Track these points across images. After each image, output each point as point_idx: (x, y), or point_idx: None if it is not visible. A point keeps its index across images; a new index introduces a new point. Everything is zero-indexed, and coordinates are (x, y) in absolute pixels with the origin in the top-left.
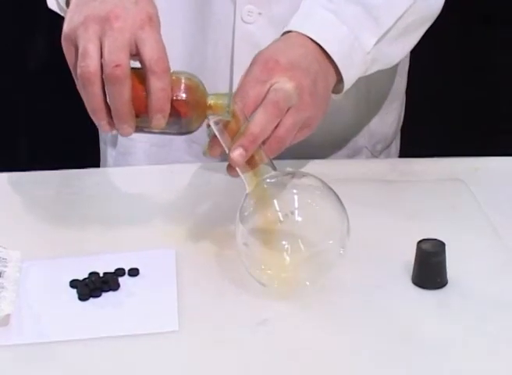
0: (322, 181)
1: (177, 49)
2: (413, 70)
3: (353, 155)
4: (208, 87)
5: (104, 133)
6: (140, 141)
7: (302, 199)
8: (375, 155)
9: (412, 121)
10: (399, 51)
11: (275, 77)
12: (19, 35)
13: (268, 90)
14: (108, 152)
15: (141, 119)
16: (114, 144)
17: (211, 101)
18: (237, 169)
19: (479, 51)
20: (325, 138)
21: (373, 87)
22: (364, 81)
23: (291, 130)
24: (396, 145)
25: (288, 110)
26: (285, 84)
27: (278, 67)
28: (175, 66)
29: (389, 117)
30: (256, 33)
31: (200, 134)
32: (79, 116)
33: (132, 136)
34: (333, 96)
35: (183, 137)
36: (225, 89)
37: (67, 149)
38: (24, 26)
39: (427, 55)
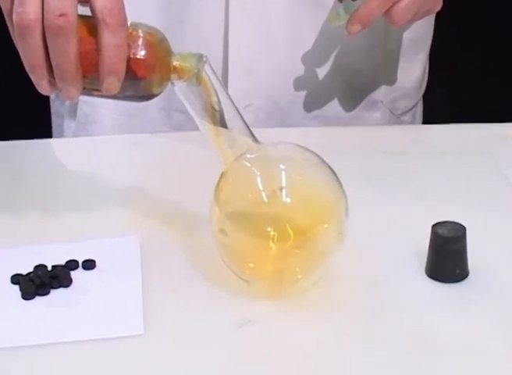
0: (315, 154)
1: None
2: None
3: (367, 109)
4: (196, 38)
5: (47, 93)
6: (105, 108)
7: (290, 176)
8: (395, 113)
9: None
10: None
11: None
12: None
13: None
14: (64, 125)
15: (90, 80)
16: (73, 113)
17: (176, 62)
18: (211, 144)
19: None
20: (336, 83)
21: (392, 33)
22: (382, 24)
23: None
24: (420, 108)
25: None
26: None
27: None
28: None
29: (412, 71)
30: None
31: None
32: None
33: (95, 102)
34: None
35: (161, 104)
36: (219, 37)
37: (9, 121)
38: None
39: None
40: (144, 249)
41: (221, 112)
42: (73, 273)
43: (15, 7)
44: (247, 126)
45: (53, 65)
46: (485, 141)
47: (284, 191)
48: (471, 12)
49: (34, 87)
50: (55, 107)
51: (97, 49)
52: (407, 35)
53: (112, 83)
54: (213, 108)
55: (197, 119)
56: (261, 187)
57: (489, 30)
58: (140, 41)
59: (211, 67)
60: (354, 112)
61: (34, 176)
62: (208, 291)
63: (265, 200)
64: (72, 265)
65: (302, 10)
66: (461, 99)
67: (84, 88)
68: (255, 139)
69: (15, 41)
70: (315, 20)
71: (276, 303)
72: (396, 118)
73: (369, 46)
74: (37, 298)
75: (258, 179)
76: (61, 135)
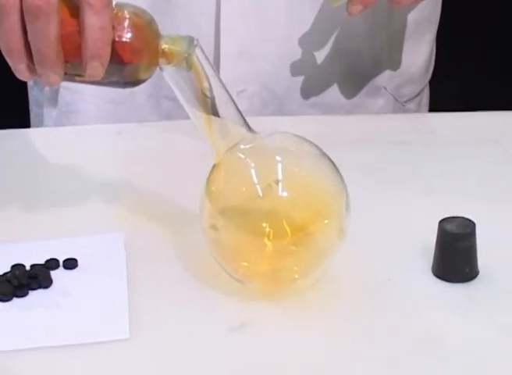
0: (314, 144)
1: None
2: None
3: (369, 96)
4: (186, 19)
5: (25, 79)
6: (89, 95)
7: (287, 168)
8: (400, 101)
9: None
10: None
11: None
12: None
13: None
14: (44, 114)
15: (72, 64)
16: (54, 101)
17: (164, 45)
18: (202, 134)
19: None
20: (336, 68)
21: (396, 13)
22: (385, 4)
23: None
24: (427, 95)
25: None
26: None
27: None
28: None
29: (418, 54)
30: None
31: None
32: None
33: (78, 88)
34: None
35: (148, 91)
36: (210, 18)
37: None
38: None
39: None
40: (130, 247)
41: (213, 99)
42: (53, 273)
43: None
44: (241, 115)
45: (32, 49)
46: (494, 130)
47: (280, 184)
48: None
49: (11, 72)
50: (33, 94)
51: (80, 31)
52: (412, 16)
53: (96, 68)
54: (204, 94)
55: (187, 107)
56: (255, 180)
57: (496, 17)
58: (126, 23)
59: (202, 51)
60: (356, 99)
61: (12, 168)
62: (199, 291)
63: (260, 194)
64: (52, 264)
65: None
66: (468, 87)
67: (66, 74)
68: (249, 128)
69: None
70: (314, 0)
71: (272, 304)
72: (400, 105)
73: (371, 28)
74: (15, 300)
75: (253, 171)
76: (40, 125)
